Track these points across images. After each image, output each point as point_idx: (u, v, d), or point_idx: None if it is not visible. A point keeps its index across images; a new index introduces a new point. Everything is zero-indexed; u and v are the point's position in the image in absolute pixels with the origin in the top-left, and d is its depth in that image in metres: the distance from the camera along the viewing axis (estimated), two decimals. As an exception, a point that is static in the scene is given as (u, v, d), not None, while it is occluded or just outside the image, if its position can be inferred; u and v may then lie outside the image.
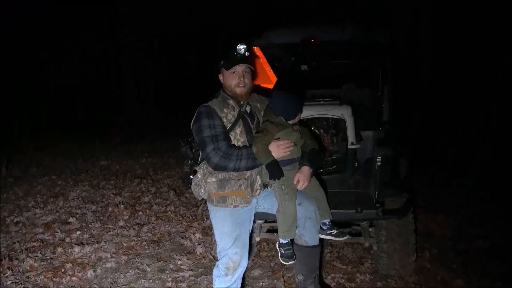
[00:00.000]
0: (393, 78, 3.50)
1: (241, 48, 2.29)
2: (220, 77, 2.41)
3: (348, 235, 2.55)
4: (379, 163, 2.61)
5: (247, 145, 2.32)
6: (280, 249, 2.41)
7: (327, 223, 2.48)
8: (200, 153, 2.38)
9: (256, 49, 3.21)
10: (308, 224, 2.38)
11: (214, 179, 2.32)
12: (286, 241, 2.40)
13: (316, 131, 3.19)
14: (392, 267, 3.06)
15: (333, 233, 2.48)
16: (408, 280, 3.08)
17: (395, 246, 2.97)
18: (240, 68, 2.31)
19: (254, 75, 2.48)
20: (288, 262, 2.39)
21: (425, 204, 4.79)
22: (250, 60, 2.36)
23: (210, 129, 2.24)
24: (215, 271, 2.41)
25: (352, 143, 3.09)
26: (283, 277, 3.17)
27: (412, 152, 3.28)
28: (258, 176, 2.37)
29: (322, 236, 2.49)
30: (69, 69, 11.38)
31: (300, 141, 2.36)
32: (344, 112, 3.10)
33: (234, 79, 2.31)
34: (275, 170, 2.24)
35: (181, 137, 2.58)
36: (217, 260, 2.43)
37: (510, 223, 4.17)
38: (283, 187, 2.32)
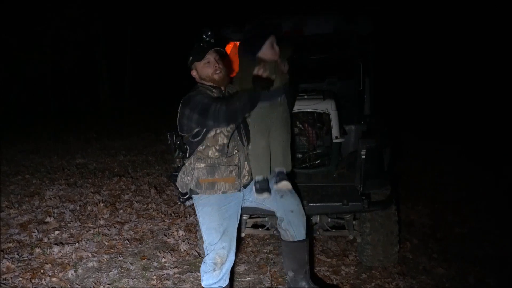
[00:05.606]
0: (375, 70, 3.52)
1: (207, 36, 2.29)
2: (193, 73, 2.39)
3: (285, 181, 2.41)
4: (363, 156, 2.63)
5: (231, 131, 2.30)
6: (255, 185, 2.40)
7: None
8: (188, 147, 2.34)
9: (236, 44, 3.17)
10: (291, 218, 2.38)
11: (203, 165, 2.30)
12: (261, 178, 2.40)
13: (301, 125, 3.19)
14: (376, 258, 3.11)
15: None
16: (391, 270, 3.14)
17: (379, 238, 3.01)
18: (211, 56, 2.30)
19: (229, 62, 2.46)
20: (262, 195, 2.36)
21: (405, 193, 4.87)
22: (219, 44, 2.35)
23: (206, 98, 2.23)
24: (202, 267, 2.38)
25: (336, 137, 3.11)
26: (269, 271, 3.17)
27: (394, 142, 3.30)
28: (246, 162, 2.39)
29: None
30: (41, 59, 10.85)
31: (283, 76, 2.37)
32: (328, 106, 3.11)
33: (209, 67, 2.30)
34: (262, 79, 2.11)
35: (169, 130, 2.53)
36: (202, 257, 2.40)
37: (484, 207, 4.32)
38: (256, 126, 2.37)
